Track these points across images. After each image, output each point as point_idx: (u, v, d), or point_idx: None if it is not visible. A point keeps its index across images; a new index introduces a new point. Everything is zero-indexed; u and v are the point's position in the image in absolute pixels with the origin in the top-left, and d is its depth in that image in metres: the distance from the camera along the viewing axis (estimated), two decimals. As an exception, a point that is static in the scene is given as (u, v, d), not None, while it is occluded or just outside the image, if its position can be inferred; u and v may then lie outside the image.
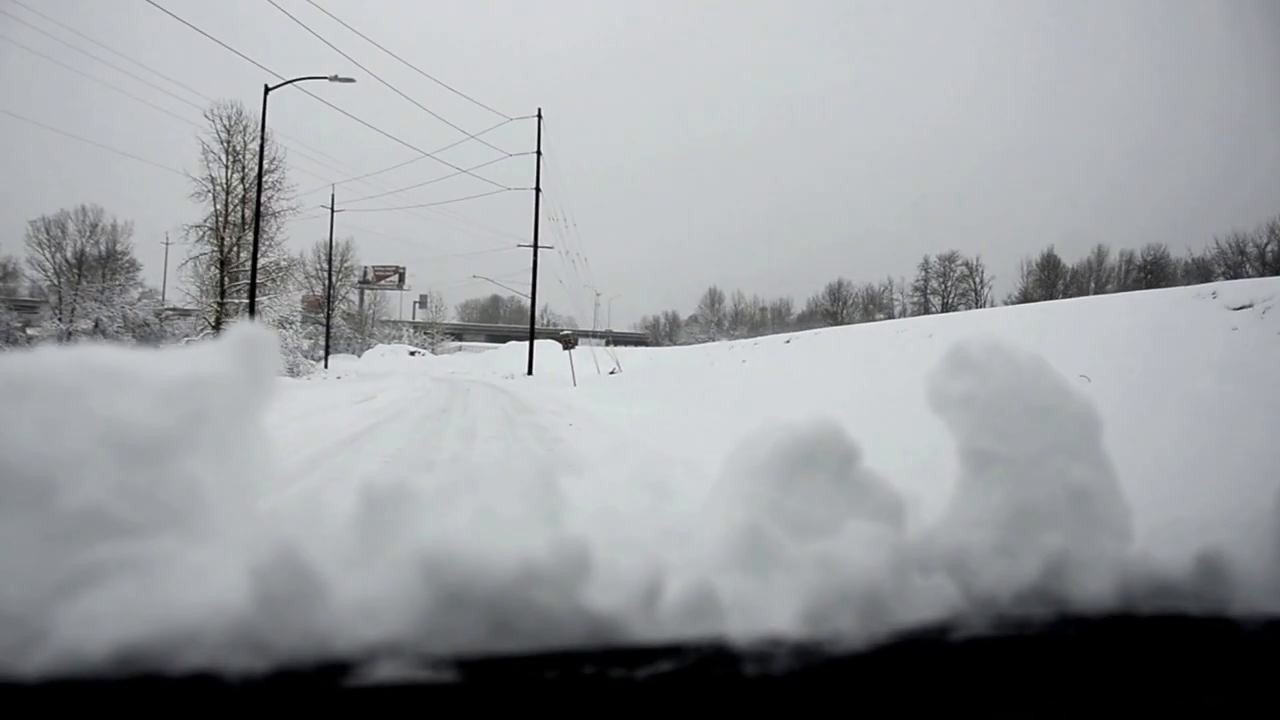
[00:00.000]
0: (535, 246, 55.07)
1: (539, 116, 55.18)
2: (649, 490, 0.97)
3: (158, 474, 0.76)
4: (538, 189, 54.98)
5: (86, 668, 0.68)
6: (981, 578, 0.90)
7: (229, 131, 50.23)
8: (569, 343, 42.40)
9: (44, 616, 0.69)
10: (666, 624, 0.80)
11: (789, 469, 0.90)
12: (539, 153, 54.93)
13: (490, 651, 0.74)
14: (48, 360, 0.78)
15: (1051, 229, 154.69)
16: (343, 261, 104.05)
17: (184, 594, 0.71)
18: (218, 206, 48.91)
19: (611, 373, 42.28)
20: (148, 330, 56.59)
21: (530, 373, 51.52)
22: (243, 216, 49.05)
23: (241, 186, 50.00)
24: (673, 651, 0.77)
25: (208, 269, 48.65)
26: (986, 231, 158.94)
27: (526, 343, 60.20)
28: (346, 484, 0.82)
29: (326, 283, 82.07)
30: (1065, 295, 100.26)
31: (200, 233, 48.81)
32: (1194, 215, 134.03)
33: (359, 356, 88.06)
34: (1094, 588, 0.91)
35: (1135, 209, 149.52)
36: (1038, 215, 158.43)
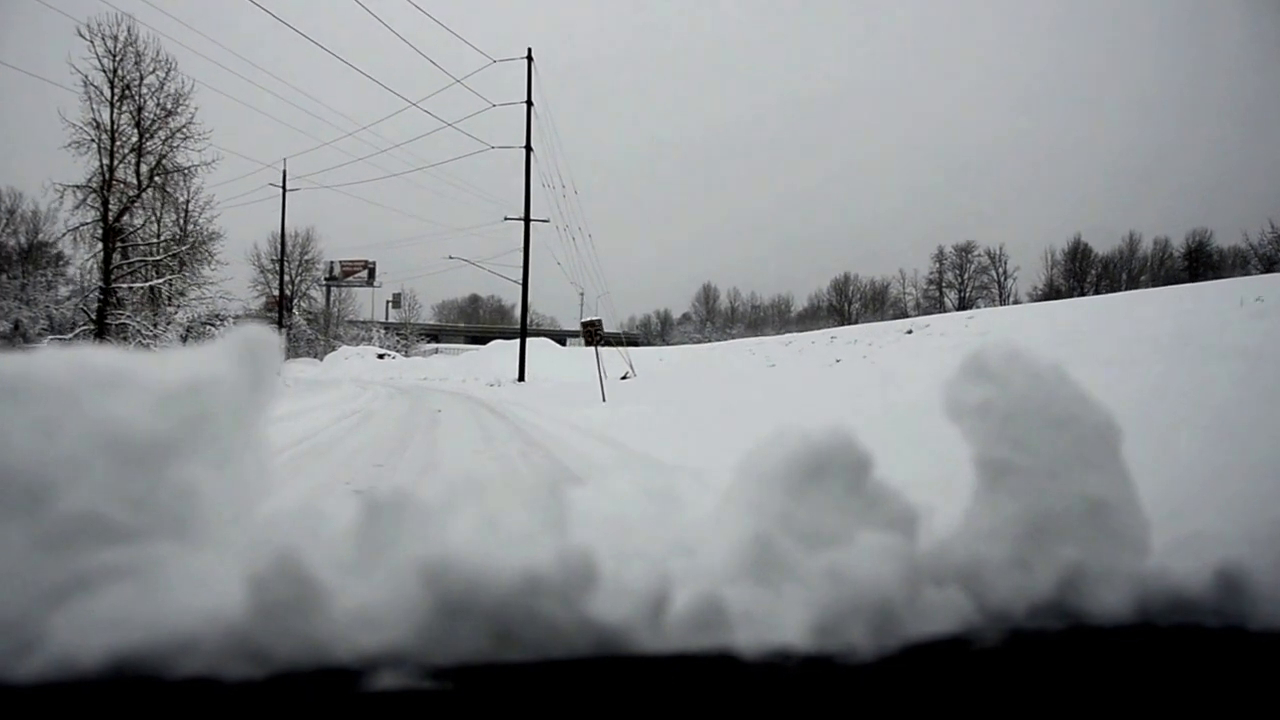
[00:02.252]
0: (527, 220, 44.53)
1: (529, 58, 44.01)
2: (656, 500, 0.96)
3: (155, 479, 0.75)
4: (528, 147, 44.04)
5: (80, 675, 0.66)
6: (996, 590, 0.89)
7: (114, 57, 36.65)
8: (596, 334, 28.17)
9: (37, 623, 0.68)
10: (673, 635, 0.79)
11: (800, 479, 0.89)
12: (529, 102, 43.97)
13: (493, 661, 0.73)
14: (44, 362, 0.77)
15: (1073, 219, 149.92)
16: (302, 254, 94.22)
17: (180, 601, 0.70)
18: (104, 160, 36.73)
19: (624, 378, 33.83)
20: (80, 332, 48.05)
21: (522, 378, 41.97)
22: (138, 172, 38.02)
23: (135, 132, 37.52)
24: (679, 663, 0.76)
25: (91, 244, 37.73)
26: (1002, 222, 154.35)
27: (514, 341, 49.70)
28: (347, 493, 0.81)
29: (279, 273, 70.94)
30: (1098, 288, 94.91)
31: (82, 195, 36.82)
32: (1230, 202, 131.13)
33: (320, 360, 75.94)
34: (1110, 601, 0.90)
35: (1165, 196, 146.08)
36: (1057, 205, 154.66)
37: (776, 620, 0.81)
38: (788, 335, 40.49)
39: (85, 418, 0.74)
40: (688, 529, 0.91)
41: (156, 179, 39.14)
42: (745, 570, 0.84)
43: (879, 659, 0.80)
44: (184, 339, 39.37)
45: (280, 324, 65.21)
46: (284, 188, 64.62)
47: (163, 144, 39.04)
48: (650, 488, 0.97)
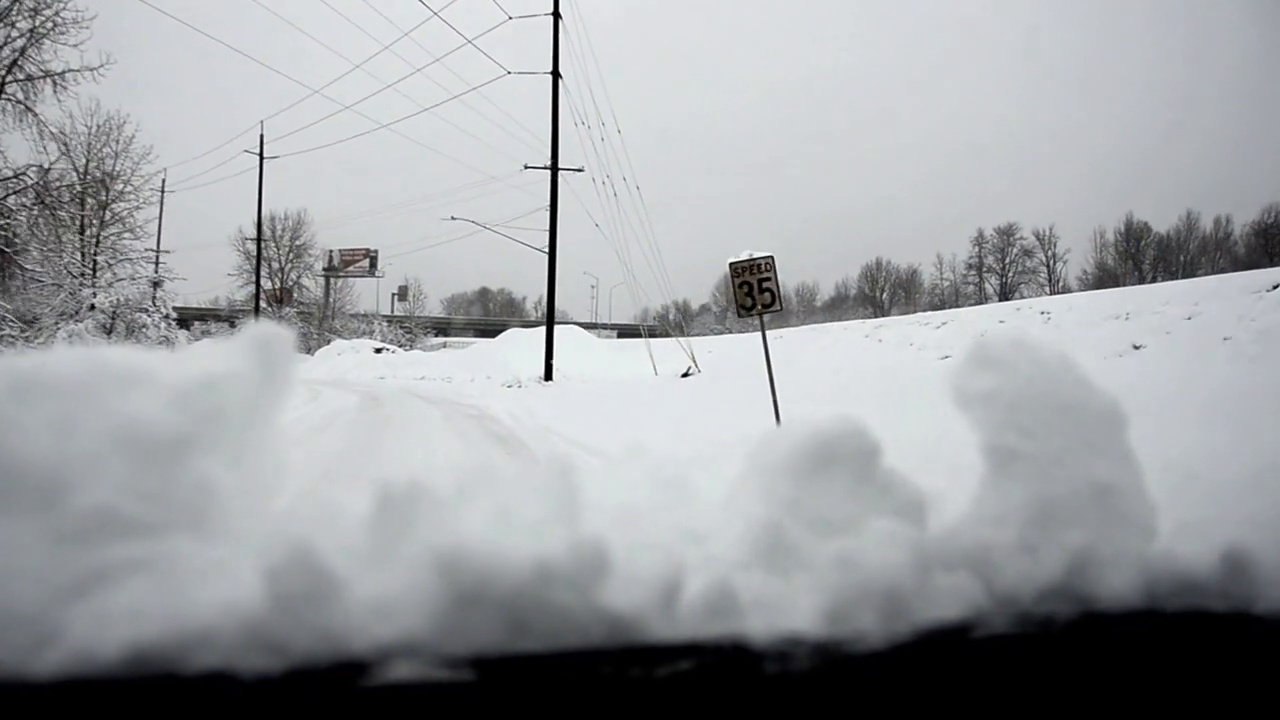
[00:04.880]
0: (554, 169, 34.13)
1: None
2: (667, 489, 0.97)
3: (171, 474, 0.76)
4: (555, 73, 33.30)
5: (99, 668, 0.67)
6: (1004, 575, 0.90)
7: None
8: (763, 288, 12.15)
9: (56, 616, 0.69)
10: (685, 623, 0.79)
11: (810, 466, 0.90)
12: (556, 14, 33.63)
13: (507, 651, 0.74)
14: (61, 360, 0.78)
15: (1118, 200, 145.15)
16: (293, 238, 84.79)
17: (198, 594, 0.71)
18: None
19: (685, 374, 26.56)
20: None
21: (549, 377, 31.91)
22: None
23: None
24: (692, 651, 0.76)
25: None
26: (1040, 205, 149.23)
27: (535, 330, 40.78)
28: (361, 485, 0.81)
29: (257, 254, 63.61)
30: (1155, 273, 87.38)
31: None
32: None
33: (312, 354, 63.03)
34: (1117, 585, 0.90)
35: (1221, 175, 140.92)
36: (1098, 186, 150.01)
37: (787, 607, 0.81)
38: (938, 314, 28.37)
39: (102, 414, 0.75)
40: (699, 517, 0.92)
41: (10, 87, 26.47)
42: (756, 558, 0.85)
43: (888, 645, 0.80)
44: (108, 330, 33.39)
45: (257, 313, 56.33)
46: (261, 154, 56.63)
47: (22, 36, 25.88)
48: (661, 477, 0.98)
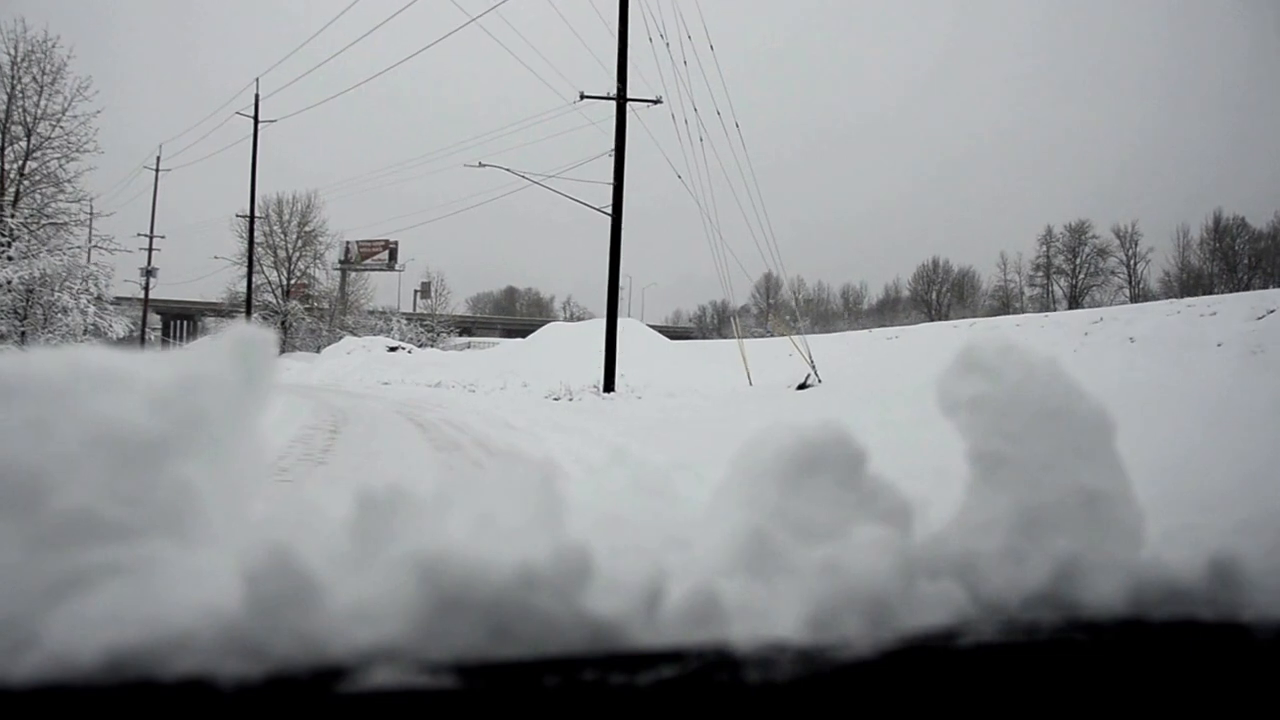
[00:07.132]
0: (621, 98, 25.85)
1: None
2: (651, 494, 0.96)
3: (150, 476, 0.75)
4: None
5: (76, 673, 0.67)
6: (990, 582, 0.89)
7: None
8: None
9: (33, 621, 0.69)
10: (668, 629, 0.79)
11: (794, 472, 0.89)
12: None
13: (489, 657, 0.74)
14: (37, 361, 0.78)
15: (1194, 198, 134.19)
16: (301, 224, 75.32)
17: (176, 598, 0.70)
18: None
19: (803, 386, 21.38)
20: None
21: (611, 387, 24.56)
22: None
23: None
24: (674, 657, 0.76)
25: None
26: (1106, 201, 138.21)
27: (581, 324, 34.96)
28: (342, 488, 0.81)
29: (250, 237, 55.60)
30: (1251, 274, 77.65)
31: None
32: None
33: (319, 353, 57.22)
34: (1104, 592, 0.90)
35: None
36: (1179, 183, 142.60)
37: (771, 614, 0.81)
38: (1195, 299, 20.27)
39: (80, 416, 0.74)
40: (682, 523, 0.92)
41: None
42: (740, 564, 0.85)
43: (873, 652, 0.80)
44: (20, 314, 27.40)
45: (249, 310, 50.65)
46: (256, 118, 49.53)
47: None
48: (644, 482, 0.98)
